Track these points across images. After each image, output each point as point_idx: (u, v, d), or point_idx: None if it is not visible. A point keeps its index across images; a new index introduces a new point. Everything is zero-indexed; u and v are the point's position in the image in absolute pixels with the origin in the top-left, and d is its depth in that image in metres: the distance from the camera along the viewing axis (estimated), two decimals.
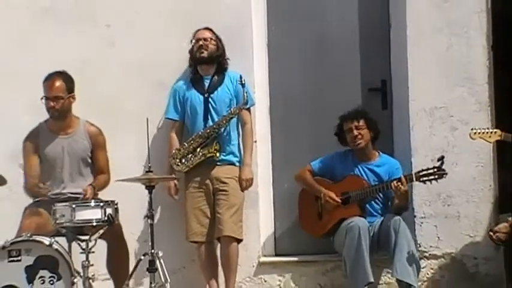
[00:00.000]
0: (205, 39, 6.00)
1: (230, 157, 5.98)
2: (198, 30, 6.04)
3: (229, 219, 5.89)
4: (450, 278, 6.14)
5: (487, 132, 5.77)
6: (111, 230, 5.46)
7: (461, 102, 6.18)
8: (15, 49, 6.21)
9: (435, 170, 5.79)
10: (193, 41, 6.02)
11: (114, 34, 6.26)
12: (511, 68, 6.43)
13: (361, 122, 6.00)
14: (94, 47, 6.23)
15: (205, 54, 5.99)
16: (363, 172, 6.05)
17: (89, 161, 5.82)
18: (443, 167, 5.78)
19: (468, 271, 6.14)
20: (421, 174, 5.82)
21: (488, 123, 6.11)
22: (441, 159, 5.79)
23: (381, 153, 6.11)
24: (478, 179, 6.16)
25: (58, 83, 5.72)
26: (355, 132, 5.98)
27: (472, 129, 5.80)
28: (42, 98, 5.72)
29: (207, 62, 6.01)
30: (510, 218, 5.65)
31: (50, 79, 5.74)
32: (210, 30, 6.04)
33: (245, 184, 5.96)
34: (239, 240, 5.94)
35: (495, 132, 5.77)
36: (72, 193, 5.69)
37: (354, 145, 6.03)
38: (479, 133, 5.77)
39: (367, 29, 6.42)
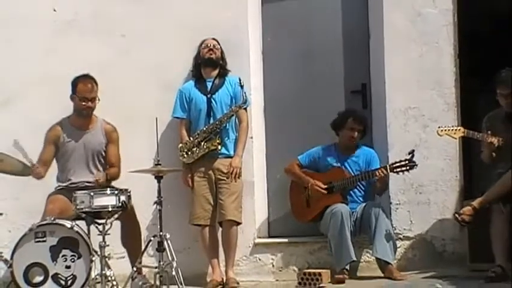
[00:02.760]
0: (214, 45, 6.01)
1: (230, 151, 5.96)
2: (207, 39, 6.04)
3: (231, 205, 5.88)
4: (421, 256, 6.11)
5: (452, 130, 5.77)
6: (126, 212, 5.43)
7: (431, 103, 6.14)
8: (43, 56, 6.23)
9: (406, 162, 5.78)
10: (203, 45, 6.01)
11: (128, 43, 6.27)
12: (475, 74, 6.42)
13: (361, 127, 6.00)
14: (111, 55, 6.23)
15: (213, 56, 5.99)
16: (345, 163, 6.03)
17: (103, 154, 5.81)
18: (413, 159, 5.77)
19: (437, 250, 6.12)
20: (394, 165, 5.81)
21: (455, 122, 6.08)
22: (411, 152, 5.78)
23: (359, 144, 6.10)
24: (446, 171, 6.13)
25: (93, 85, 5.72)
26: (355, 134, 5.97)
27: (438, 127, 5.80)
28: (73, 97, 5.70)
29: (213, 65, 6.00)
30: (473, 203, 5.61)
31: (85, 81, 5.71)
32: (217, 40, 6.05)
33: (233, 171, 5.90)
34: (239, 224, 5.93)
35: (459, 129, 5.77)
36: (88, 182, 5.68)
37: (348, 142, 6.02)
38: (445, 130, 5.77)
39: (349, 39, 6.38)
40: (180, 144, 5.97)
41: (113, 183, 5.74)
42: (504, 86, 5.71)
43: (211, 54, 5.99)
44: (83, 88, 5.70)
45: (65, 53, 6.19)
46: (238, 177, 5.93)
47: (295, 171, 6.11)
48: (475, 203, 5.62)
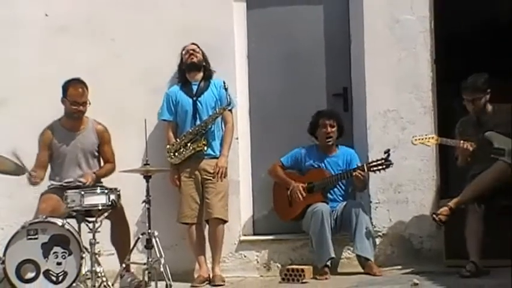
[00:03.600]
0: (193, 50, 6.01)
1: (215, 151, 5.97)
2: (187, 45, 6.05)
3: (217, 203, 5.88)
4: (399, 253, 6.14)
5: (426, 138, 5.79)
6: (115, 211, 5.43)
7: (409, 106, 6.17)
8: (37, 59, 6.18)
9: (383, 161, 5.81)
10: (183, 52, 6.03)
11: (118, 48, 6.24)
12: (451, 78, 6.45)
13: (334, 122, 5.99)
14: (102, 58, 6.19)
15: (195, 60, 5.99)
16: (326, 163, 6.05)
17: (96, 154, 5.80)
18: (390, 158, 5.79)
19: (414, 247, 6.15)
20: (371, 165, 5.85)
21: (431, 124, 6.13)
22: (387, 151, 5.81)
23: (339, 145, 6.12)
24: (423, 171, 6.16)
25: (84, 90, 5.69)
26: (329, 129, 5.97)
27: (413, 136, 5.83)
28: (63, 100, 5.68)
29: (196, 68, 6.00)
30: (449, 203, 5.65)
31: (76, 86, 5.68)
32: (196, 44, 6.05)
33: (219, 171, 5.91)
34: (225, 222, 5.93)
35: (433, 137, 5.80)
36: (80, 181, 5.67)
37: (325, 142, 6.02)
38: (419, 139, 5.80)
39: (331, 44, 6.39)
40: (168, 146, 5.97)
41: (104, 183, 5.73)
42: (469, 92, 5.76)
43: (192, 59, 6.00)
44: (74, 92, 5.69)
45: (58, 56, 6.16)
46: (224, 177, 5.95)
47: (278, 173, 6.12)
48: (451, 203, 5.65)
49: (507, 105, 5.84)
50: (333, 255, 5.80)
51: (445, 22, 6.41)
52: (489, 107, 5.82)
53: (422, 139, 5.79)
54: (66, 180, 5.69)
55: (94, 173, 5.73)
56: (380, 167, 5.83)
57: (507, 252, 5.65)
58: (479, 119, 5.84)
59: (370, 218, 6.02)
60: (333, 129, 6.00)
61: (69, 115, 5.74)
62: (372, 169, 5.84)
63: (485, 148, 5.73)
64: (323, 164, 6.06)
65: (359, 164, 5.95)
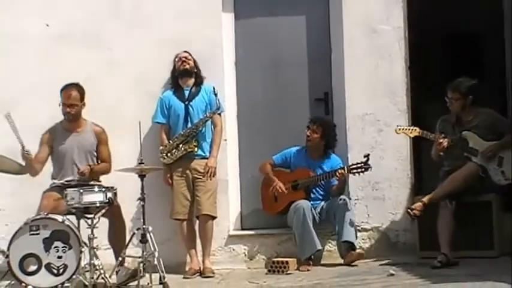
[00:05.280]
0: (186, 57, 6.03)
1: (205, 152, 5.99)
2: (179, 53, 6.07)
3: (207, 201, 5.90)
4: (377, 246, 6.17)
5: (409, 129, 5.85)
6: (112, 209, 5.46)
7: (385, 109, 6.20)
8: (39, 67, 6.20)
9: (362, 164, 5.84)
10: (176, 59, 6.05)
11: (114, 56, 6.24)
12: (424, 84, 6.52)
13: (316, 127, 5.98)
14: (99, 66, 6.20)
15: (187, 67, 6.01)
16: (312, 166, 6.05)
17: (94, 154, 5.79)
18: (368, 162, 5.82)
19: (391, 240, 6.18)
20: (351, 167, 5.87)
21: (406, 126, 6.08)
22: (367, 156, 5.84)
23: (329, 153, 6.10)
24: (398, 170, 6.19)
25: (74, 93, 5.68)
26: (308, 132, 5.99)
27: (397, 125, 5.87)
28: (59, 104, 5.69)
29: (188, 75, 6.01)
30: (423, 199, 5.70)
31: (67, 89, 5.69)
32: (188, 52, 6.08)
33: (209, 170, 5.93)
34: (214, 218, 5.95)
35: (415, 129, 5.84)
36: (79, 180, 5.66)
37: (307, 142, 6.06)
38: (402, 129, 5.84)
39: (312, 52, 6.41)
40: (161, 147, 6.00)
41: (102, 182, 5.73)
42: (449, 91, 5.82)
43: (185, 66, 6.02)
44: (64, 95, 5.69)
45: (58, 64, 6.17)
46: (214, 176, 5.97)
47: (265, 170, 6.15)
48: (425, 199, 5.71)
49: (487, 109, 5.89)
50: (319, 247, 5.82)
51: (418, 32, 6.46)
52: (470, 110, 5.85)
53: (405, 129, 5.84)
54: (66, 179, 5.69)
55: (89, 165, 5.70)
56: (359, 170, 5.86)
57: (475, 244, 5.74)
58: (458, 119, 5.90)
59: None
60: (314, 135, 5.98)
61: (64, 117, 5.75)
62: (352, 171, 5.87)
63: (461, 146, 5.79)
64: (308, 165, 6.07)
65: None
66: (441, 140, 5.74)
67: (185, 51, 6.08)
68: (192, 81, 6.06)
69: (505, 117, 6.24)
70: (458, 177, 5.70)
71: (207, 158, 5.99)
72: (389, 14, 6.22)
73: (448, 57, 6.95)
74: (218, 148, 6.03)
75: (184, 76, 6.04)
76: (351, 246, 5.85)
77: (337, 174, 5.87)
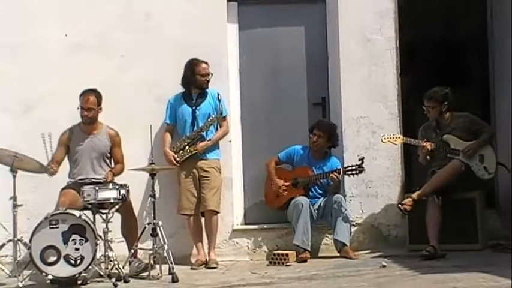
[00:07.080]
0: (207, 73, 5.95)
1: (210, 153, 6.01)
2: (202, 62, 5.96)
3: (212, 197, 5.93)
4: (370, 239, 6.22)
5: (393, 138, 5.91)
6: (124, 206, 5.51)
7: (378, 113, 6.25)
8: (57, 73, 6.19)
9: (356, 166, 5.90)
10: (199, 69, 5.91)
11: (127, 62, 6.25)
12: (413, 89, 6.54)
13: (322, 133, 6.00)
14: (113, 72, 6.20)
15: (207, 85, 5.98)
16: (313, 165, 6.09)
17: (108, 155, 5.84)
18: (363, 165, 5.87)
19: (383, 234, 6.24)
20: (346, 169, 5.93)
21: (397, 128, 6.21)
22: (361, 159, 5.89)
23: (330, 154, 6.14)
24: (390, 169, 6.24)
25: (91, 98, 5.72)
26: (314, 138, 6.02)
27: (382, 135, 5.94)
28: (78, 108, 5.74)
29: (207, 87, 6.01)
30: (413, 195, 5.77)
31: (85, 94, 5.73)
32: (207, 64, 5.98)
33: (199, 147, 5.88)
34: (218, 213, 5.99)
35: (399, 137, 5.93)
36: (94, 178, 5.73)
37: (311, 146, 6.08)
38: (387, 138, 5.91)
39: (311, 59, 6.44)
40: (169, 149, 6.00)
41: (115, 180, 5.76)
42: (426, 100, 5.91)
43: (206, 84, 5.95)
44: (82, 100, 5.74)
45: (75, 70, 6.16)
46: (219, 173, 6.02)
47: (269, 168, 6.19)
48: (414, 195, 5.79)
49: (463, 113, 6.00)
50: (307, 248, 5.86)
51: (408, 42, 6.52)
52: (447, 114, 5.96)
53: (390, 138, 5.90)
54: (81, 177, 5.72)
55: (111, 170, 5.75)
56: (354, 172, 5.91)
57: (460, 238, 5.82)
58: (438, 124, 6.00)
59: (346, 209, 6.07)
60: (320, 139, 6.00)
61: (81, 119, 5.81)
62: (346, 173, 5.92)
63: (443, 148, 5.90)
64: (310, 165, 6.11)
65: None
66: (424, 144, 5.81)
67: (205, 63, 5.97)
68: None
69: (488, 121, 6.33)
70: (444, 173, 5.79)
71: (212, 159, 6.02)
72: (381, 25, 6.27)
73: (436, 64, 7.01)
74: (216, 140, 6.00)
75: (200, 88, 6.02)
76: (343, 244, 5.90)
77: (334, 175, 5.90)
